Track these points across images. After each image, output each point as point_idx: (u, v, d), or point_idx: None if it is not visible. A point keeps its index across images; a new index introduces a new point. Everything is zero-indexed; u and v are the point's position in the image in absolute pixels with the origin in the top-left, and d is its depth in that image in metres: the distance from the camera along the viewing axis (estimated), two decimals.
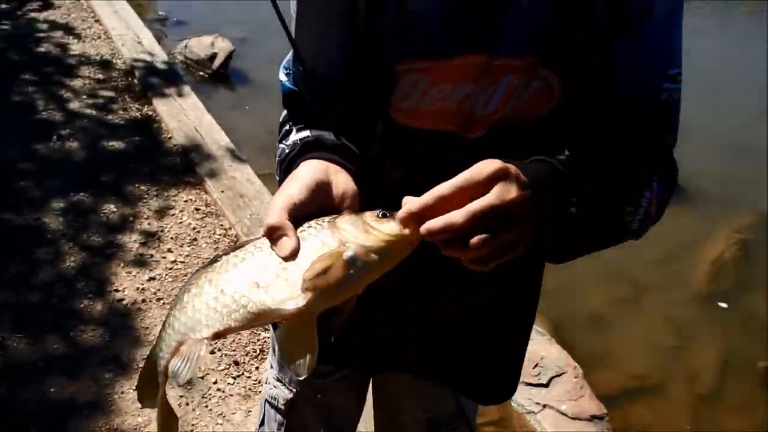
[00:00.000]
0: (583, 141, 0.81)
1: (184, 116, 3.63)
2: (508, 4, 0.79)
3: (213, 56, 4.79)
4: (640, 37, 0.82)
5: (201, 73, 4.78)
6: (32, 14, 4.79)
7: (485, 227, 0.64)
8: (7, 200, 2.95)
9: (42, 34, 4.50)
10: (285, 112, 0.96)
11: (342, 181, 0.76)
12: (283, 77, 0.94)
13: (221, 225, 2.93)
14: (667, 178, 0.85)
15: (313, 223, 0.70)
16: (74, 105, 3.73)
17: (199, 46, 4.86)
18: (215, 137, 3.47)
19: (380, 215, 0.68)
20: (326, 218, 0.70)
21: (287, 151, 0.87)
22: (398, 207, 0.68)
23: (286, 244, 0.67)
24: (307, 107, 0.91)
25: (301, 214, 0.70)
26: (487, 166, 0.66)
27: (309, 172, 0.75)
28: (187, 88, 3.93)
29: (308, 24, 0.87)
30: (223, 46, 4.81)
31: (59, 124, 3.55)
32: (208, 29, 4.96)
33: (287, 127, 0.93)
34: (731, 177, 4.18)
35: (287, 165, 0.84)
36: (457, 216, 0.64)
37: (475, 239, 0.64)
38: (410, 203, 0.66)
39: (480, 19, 0.80)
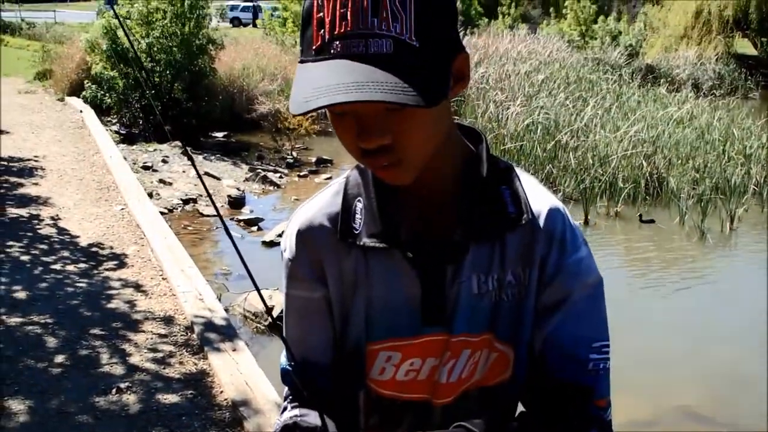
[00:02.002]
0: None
1: (236, 370, 3.79)
2: (458, 293, 0.98)
3: (270, 309, 5.08)
4: (564, 319, 0.99)
5: (258, 325, 5.04)
6: (107, 273, 5.22)
7: None
8: None
9: (113, 291, 4.88)
10: (286, 388, 1.12)
11: None
12: (282, 358, 1.10)
13: None
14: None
15: None
16: (135, 359, 3.96)
17: (258, 298, 5.16)
18: (265, 391, 3.60)
19: None
20: None
21: (276, 428, 1.04)
22: None
23: None
24: (301, 381, 1.07)
25: None
26: None
27: None
28: (241, 343, 4.14)
29: (292, 315, 1.08)
30: (280, 300, 5.09)
31: (119, 377, 3.75)
32: (267, 283, 5.29)
33: (285, 403, 1.09)
34: None
35: None
36: None
37: None
38: None
39: (435, 304, 0.99)
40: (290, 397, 1.09)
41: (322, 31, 0.82)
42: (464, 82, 0.92)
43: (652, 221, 8.41)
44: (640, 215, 8.45)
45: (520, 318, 1.01)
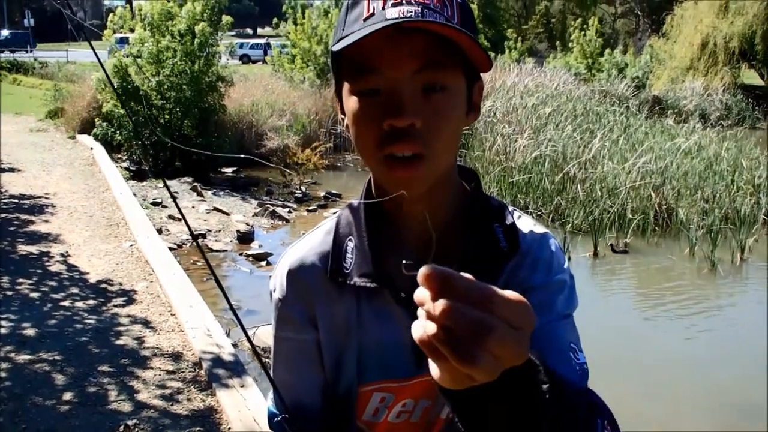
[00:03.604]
0: None
1: (244, 407, 3.77)
2: None
3: (265, 350, 5.06)
4: (550, 320, 0.95)
5: (267, 360, 5.01)
6: (116, 309, 5.23)
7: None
8: None
9: (122, 328, 4.88)
10: None
11: None
12: (269, 401, 1.09)
13: None
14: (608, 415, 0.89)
15: None
16: (143, 396, 3.94)
17: (266, 334, 5.14)
18: None
19: None
20: None
21: None
22: None
23: None
24: (288, 426, 1.04)
25: None
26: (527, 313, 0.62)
27: None
28: (249, 379, 4.12)
29: (281, 358, 1.07)
30: None
31: (127, 414, 3.73)
32: None
33: None
34: None
35: None
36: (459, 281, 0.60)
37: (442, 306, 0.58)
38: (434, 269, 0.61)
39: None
40: None
41: (375, 2, 0.85)
42: (476, 114, 0.95)
43: (625, 251, 8.35)
44: (612, 245, 8.39)
45: None
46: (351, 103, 0.89)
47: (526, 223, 1.03)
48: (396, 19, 0.82)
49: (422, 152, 0.87)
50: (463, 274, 0.61)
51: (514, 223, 1.01)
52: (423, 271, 0.60)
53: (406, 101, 0.85)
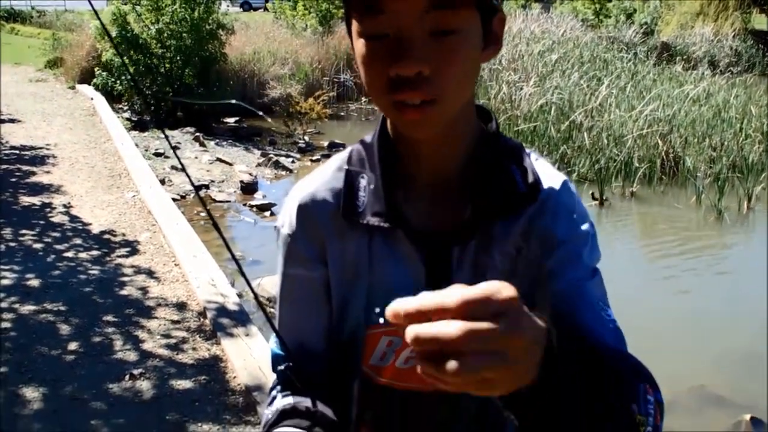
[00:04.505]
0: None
1: (249, 355, 3.77)
2: (466, 274, 0.93)
3: (272, 298, 5.05)
4: (578, 275, 0.93)
5: (272, 309, 5.00)
6: (119, 260, 5.21)
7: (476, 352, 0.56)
8: None
9: (126, 278, 4.86)
10: (275, 376, 1.05)
11: None
12: (272, 343, 1.04)
13: None
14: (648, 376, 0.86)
15: None
16: (148, 345, 3.94)
17: (271, 283, 5.14)
18: None
19: None
20: None
21: (268, 416, 0.97)
22: None
23: None
24: (292, 372, 1.01)
25: None
26: (503, 291, 0.59)
27: None
28: (254, 328, 4.11)
29: (288, 297, 1.03)
30: None
31: (132, 364, 3.74)
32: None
33: (274, 392, 1.02)
34: None
35: None
36: (451, 329, 0.56)
37: (452, 366, 0.56)
38: (403, 304, 0.60)
39: (440, 286, 0.92)
40: (279, 387, 1.03)
41: None
42: (497, 46, 0.90)
43: (604, 199, 8.26)
44: (593, 193, 8.29)
45: (532, 292, 0.94)
46: (359, 45, 0.85)
47: (543, 167, 0.98)
48: None
49: (432, 98, 0.82)
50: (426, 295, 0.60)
51: (531, 165, 0.97)
52: (389, 311, 0.61)
53: (412, 47, 0.80)
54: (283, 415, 0.95)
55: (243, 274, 1.00)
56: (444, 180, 0.95)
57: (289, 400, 0.98)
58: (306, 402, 0.96)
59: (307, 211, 0.99)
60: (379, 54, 0.83)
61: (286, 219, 1.01)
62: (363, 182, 0.97)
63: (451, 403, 0.98)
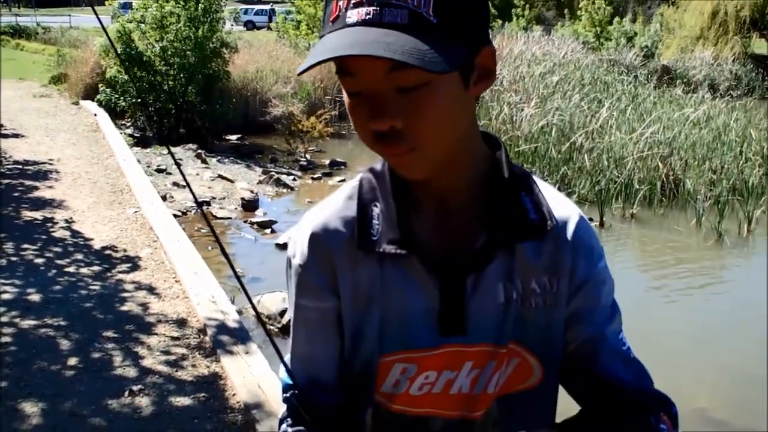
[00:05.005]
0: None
1: (249, 373, 3.77)
2: (480, 303, 0.95)
3: (283, 311, 5.05)
4: (600, 321, 1.01)
5: (271, 327, 5.01)
6: (120, 275, 5.22)
7: None
8: None
9: (126, 294, 4.87)
10: (284, 408, 1.06)
11: None
12: (282, 373, 1.05)
13: None
14: (671, 414, 1.00)
15: None
16: (147, 362, 3.94)
17: (270, 300, 5.15)
18: (277, 395, 3.56)
19: None
20: None
21: None
22: None
23: None
24: (299, 402, 1.01)
25: None
26: None
27: None
28: (254, 345, 4.11)
29: (301, 328, 1.03)
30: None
31: (131, 380, 3.73)
32: (280, 285, 5.27)
33: (284, 426, 1.03)
34: None
35: None
36: None
37: None
38: None
39: (454, 314, 0.95)
40: (289, 419, 1.03)
41: (341, 1, 0.81)
42: (489, 79, 0.90)
43: (604, 220, 8.25)
44: (590, 218, 8.29)
45: (550, 327, 0.99)
46: (345, 98, 0.88)
47: (553, 196, 1.00)
48: (354, 24, 0.79)
49: (410, 148, 0.85)
50: None
51: (541, 194, 0.98)
52: None
53: (382, 104, 0.83)
54: None
55: (245, 292, 1.00)
56: (455, 207, 0.96)
57: None
58: None
59: (319, 240, 0.98)
60: (359, 109, 0.85)
61: (298, 248, 1.00)
62: (376, 210, 0.97)
63: (464, 428, 1.00)
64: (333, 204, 1.01)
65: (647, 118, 10.82)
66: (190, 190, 1.00)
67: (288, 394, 1.03)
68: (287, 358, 1.06)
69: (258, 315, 1.00)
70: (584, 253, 0.98)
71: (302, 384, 1.01)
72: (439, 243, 0.96)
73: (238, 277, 1.00)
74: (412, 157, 0.86)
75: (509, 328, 0.96)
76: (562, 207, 0.99)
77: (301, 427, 1.00)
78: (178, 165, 1.00)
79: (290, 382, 1.02)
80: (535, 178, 1.01)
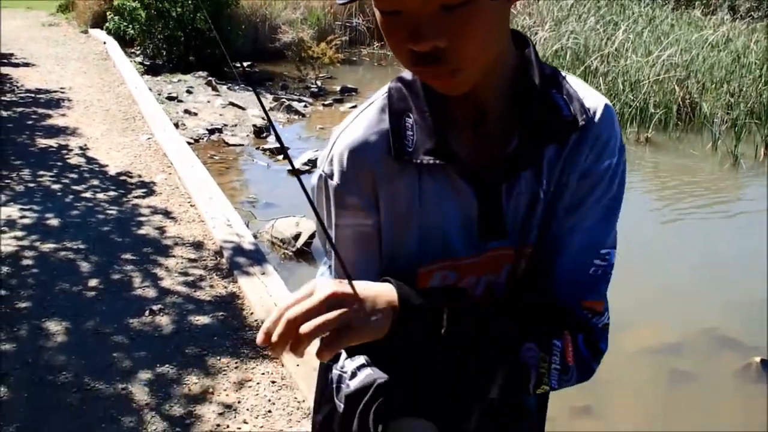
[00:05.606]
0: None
1: (266, 293, 3.84)
2: (516, 205, 0.96)
3: (297, 235, 5.10)
4: (578, 223, 0.98)
5: (285, 251, 5.07)
6: (136, 200, 5.27)
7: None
8: (100, 370, 3.15)
9: (143, 218, 4.92)
10: None
11: None
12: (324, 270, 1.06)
13: (295, 398, 3.02)
14: (590, 340, 0.99)
15: None
16: (166, 282, 4.01)
17: (285, 225, 5.19)
18: None
19: None
20: None
21: (352, 387, 0.99)
22: None
23: None
24: None
25: None
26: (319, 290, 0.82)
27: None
28: (270, 267, 4.17)
29: (344, 248, 0.98)
30: (307, 226, 5.12)
31: (152, 300, 3.81)
32: (294, 211, 5.30)
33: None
34: None
35: (364, 408, 0.95)
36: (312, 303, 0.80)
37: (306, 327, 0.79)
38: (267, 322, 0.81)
39: (494, 219, 0.96)
40: None
41: None
42: None
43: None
44: None
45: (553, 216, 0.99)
46: (378, 16, 0.84)
47: (583, 89, 0.98)
48: None
49: (453, 68, 0.82)
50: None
51: (572, 89, 0.97)
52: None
53: (424, 24, 0.79)
54: (380, 391, 0.95)
55: (278, 137, 0.95)
56: (488, 115, 0.95)
57: (369, 372, 0.98)
58: (382, 375, 0.97)
59: (358, 157, 0.95)
60: (396, 29, 0.81)
61: (336, 168, 0.96)
62: (409, 121, 0.95)
63: None
64: (365, 118, 0.97)
65: (664, 40, 10.59)
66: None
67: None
68: (324, 260, 1.07)
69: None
70: (599, 146, 0.96)
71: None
72: (473, 151, 0.95)
73: (280, 139, 0.95)
74: (456, 78, 0.84)
75: (536, 226, 0.97)
76: (592, 98, 0.97)
77: (362, 359, 1.00)
78: (266, 113, 0.98)
79: None
80: (564, 73, 0.99)
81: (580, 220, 0.97)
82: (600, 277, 0.98)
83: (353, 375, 0.97)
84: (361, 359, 0.98)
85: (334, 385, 1.00)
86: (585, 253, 0.97)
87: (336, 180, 0.96)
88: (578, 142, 0.96)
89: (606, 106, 0.97)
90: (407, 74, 0.97)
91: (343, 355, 1.00)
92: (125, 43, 11.71)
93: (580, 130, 0.95)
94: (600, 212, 0.97)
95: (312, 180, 1.01)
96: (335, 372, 1.01)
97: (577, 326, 0.97)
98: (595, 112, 0.96)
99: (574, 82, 0.98)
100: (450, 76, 0.83)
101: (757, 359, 3.92)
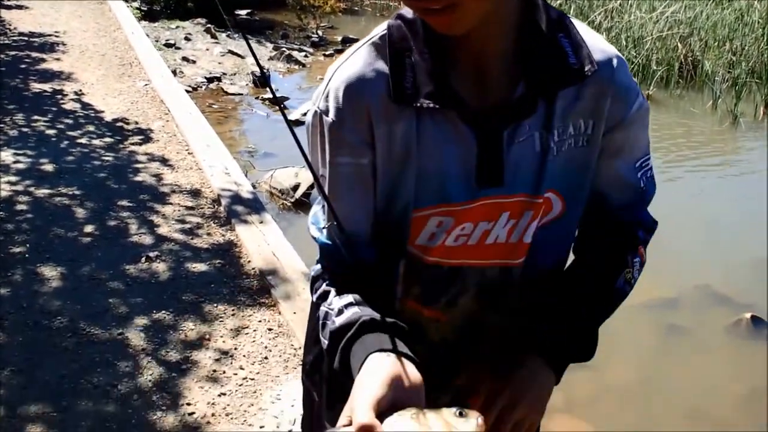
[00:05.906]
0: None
1: (263, 242, 3.83)
2: (519, 153, 0.94)
3: (296, 186, 5.07)
4: (626, 159, 1.03)
5: (284, 201, 5.05)
6: (133, 147, 5.22)
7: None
8: (95, 316, 3.15)
9: (140, 165, 4.89)
10: (318, 266, 1.04)
11: (412, 374, 0.82)
12: (315, 233, 1.03)
13: (291, 345, 3.04)
14: (647, 229, 1.13)
15: (397, 418, 0.76)
16: (163, 230, 4.00)
17: (284, 176, 5.16)
18: (291, 262, 3.64)
19: (458, 413, 0.75)
20: (407, 413, 0.76)
21: (338, 323, 0.93)
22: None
23: None
24: (344, 261, 0.99)
25: (382, 409, 0.76)
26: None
27: (383, 367, 0.81)
28: (268, 216, 4.16)
29: (338, 187, 0.97)
30: (306, 177, 5.08)
31: (148, 247, 3.80)
32: (293, 161, 5.26)
33: (324, 286, 1.00)
34: None
35: (346, 344, 0.90)
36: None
37: None
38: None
39: (492, 166, 0.93)
40: (327, 281, 1.00)
41: None
42: None
43: None
44: None
45: (582, 168, 0.98)
46: None
47: (592, 38, 0.95)
48: None
49: (451, 2, 0.78)
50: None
51: (579, 36, 0.93)
52: None
53: None
54: (365, 328, 0.90)
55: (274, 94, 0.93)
56: (492, 58, 0.91)
57: (356, 310, 0.93)
58: (371, 312, 0.92)
59: (354, 93, 0.92)
60: None
61: (331, 104, 0.93)
62: (409, 62, 0.91)
63: (503, 274, 1.03)
64: (363, 54, 0.94)
65: None
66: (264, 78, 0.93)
67: (325, 253, 1.02)
68: (313, 216, 1.04)
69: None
70: (623, 94, 0.96)
71: (341, 242, 0.99)
72: (476, 95, 0.92)
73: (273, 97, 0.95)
74: (452, 15, 0.80)
75: (546, 178, 0.95)
76: (600, 48, 0.95)
77: (347, 295, 0.96)
78: (262, 71, 0.95)
79: (329, 242, 1.00)
80: (572, 19, 0.96)
81: (626, 160, 1.02)
82: (648, 182, 1.07)
83: (340, 312, 0.94)
84: (349, 297, 0.95)
85: (320, 322, 0.97)
86: (633, 178, 1.04)
87: (331, 116, 0.93)
88: (600, 95, 0.94)
89: (615, 56, 0.96)
90: (407, 11, 0.93)
91: (332, 292, 0.98)
92: None
93: (591, 81, 0.92)
94: (640, 135, 1.02)
95: (307, 117, 0.98)
96: (323, 309, 0.97)
97: (637, 225, 1.10)
98: (606, 62, 0.94)
99: (582, 29, 0.95)
100: (447, 13, 0.79)
101: (748, 315, 3.97)
